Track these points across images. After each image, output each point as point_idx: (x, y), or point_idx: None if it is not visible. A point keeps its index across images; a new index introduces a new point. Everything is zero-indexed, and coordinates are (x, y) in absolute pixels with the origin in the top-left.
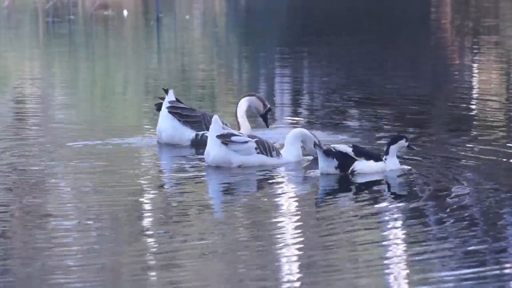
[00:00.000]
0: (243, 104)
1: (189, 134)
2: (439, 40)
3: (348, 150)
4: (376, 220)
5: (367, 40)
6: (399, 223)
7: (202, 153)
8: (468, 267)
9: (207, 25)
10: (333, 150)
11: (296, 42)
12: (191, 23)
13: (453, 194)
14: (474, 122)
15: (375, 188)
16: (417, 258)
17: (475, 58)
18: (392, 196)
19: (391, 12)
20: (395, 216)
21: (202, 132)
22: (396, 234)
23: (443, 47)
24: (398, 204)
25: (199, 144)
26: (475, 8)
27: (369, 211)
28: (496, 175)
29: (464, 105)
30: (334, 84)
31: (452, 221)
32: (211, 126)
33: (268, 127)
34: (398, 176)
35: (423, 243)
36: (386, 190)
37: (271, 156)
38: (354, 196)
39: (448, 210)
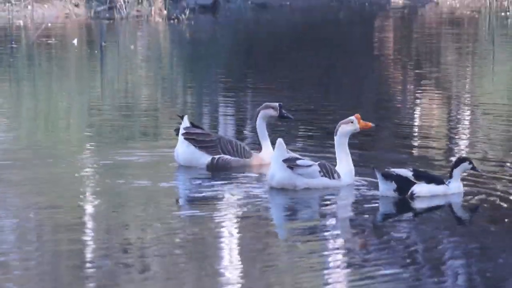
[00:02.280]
0: (261, 123)
1: (205, 158)
2: (381, 72)
3: (408, 173)
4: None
5: (308, 74)
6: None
7: (219, 176)
8: None
9: (150, 54)
10: (392, 173)
11: (238, 74)
12: (134, 52)
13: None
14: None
15: (433, 211)
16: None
17: (416, 87)
18: (449, 220)
19: (333, 42)
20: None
21: (218, 156)
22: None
23: (385, 77)
24: (453, 229)
25: (215, 168)
26: (418, 34)
27: (422, 235)
28: None
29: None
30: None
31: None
32: (275, 150)
33: (292, 118)
34: (460, 200)
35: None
36: (444, 214)
37: (333, 178)
38: (411, 220)
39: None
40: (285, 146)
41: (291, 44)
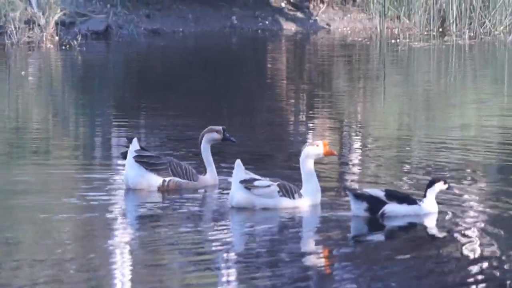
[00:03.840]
0: (205, 147)
1: (156, 180)
2: (274, 97)
3: (380, 194)
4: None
5: (201, 99)
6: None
7: (170, 198)
8: None
9: (42, 80)
10: (364, 193)
11: (131, 98)
12: (25, 78)
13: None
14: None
15: (401, 231)
16: None
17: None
18: (417, 240)
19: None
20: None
21: (169, 178)
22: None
23: (278, 102)
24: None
25: (165, 190)
26: (310, 60)
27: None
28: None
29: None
30: (165, 137)
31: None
32: (234, 171)
33: (235, 141)
34: (432, 220)
35: None
36: (413, 233)
37: (293, 198)
38: (380, 239)
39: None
40: (243, 167)
41: (184, 70)
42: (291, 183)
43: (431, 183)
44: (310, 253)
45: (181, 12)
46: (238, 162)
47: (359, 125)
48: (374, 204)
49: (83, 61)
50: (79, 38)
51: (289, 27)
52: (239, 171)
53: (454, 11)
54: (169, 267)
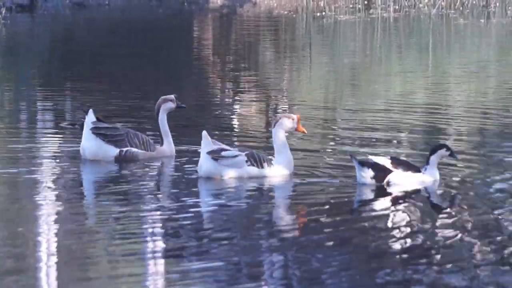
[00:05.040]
0: (162, 118)
1: (113, 151)
2: (200, 70)
3: (385, 161)
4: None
5: (127, 73)
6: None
7: (127, 168)
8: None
9: None
10: (369, 161)
11: (56, 72)
12: None
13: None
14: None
15: (406, 199)
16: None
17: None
18: (420, 207)
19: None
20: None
21: (126, 149)
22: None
23: (204, 76)
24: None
25: (122, 160)
26: (236, 33)
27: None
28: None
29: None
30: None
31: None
32: (202, 142)
33: (185, 107)
34: (435, 187)
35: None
36: (418, 201)
37: (262, 167)
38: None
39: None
40: (209, 138)
41: (110, 43)
42: (262, 153)
43: (434, 150)
44: (286, 223)
45: None
46: (204, 133)
47: (286, 94)
48: (380, 171)
49: (8, 34)
50: (3, 11)
51: (215, 0)
52: (207, 142)
53: None
54: (132, 236)
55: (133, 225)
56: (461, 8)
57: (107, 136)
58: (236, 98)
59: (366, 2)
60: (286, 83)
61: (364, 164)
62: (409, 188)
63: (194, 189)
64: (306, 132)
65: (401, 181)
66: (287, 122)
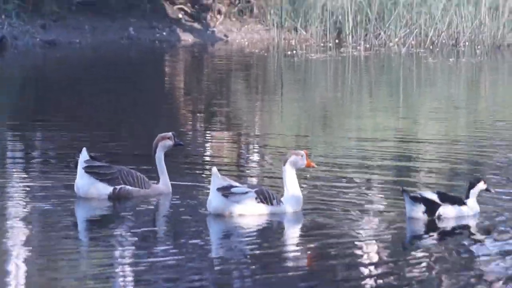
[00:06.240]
0: (160, 156)
1: (106, 189)
2: (173, 108)
3: (434, 196)
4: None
5: (100, 112)
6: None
7: (122, 206)
8: None
9: None
10: (420, 195)
11: (28, 113)
12: None
13: None
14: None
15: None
16: None
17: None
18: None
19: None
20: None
21: (119, 187)
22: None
23: (177, 113)
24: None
25: (116, 198)
26: (208, 72)
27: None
28: None
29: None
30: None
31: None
32: (211, 179)
33: (183, 144)
34: (480, 219)
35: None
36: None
37: (272, 204)
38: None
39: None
40: (219, 175)
41: (82, 82)
42: (271, 190)
43: (472, 184)
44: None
45: (77, 23)
46: (214, 169)
47: (257, 136)
48: (430, 206)
49: None
50: None
51: (187, 38)
52: (216, 178)
53: (350, 22)
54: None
55: (129, 269)
56: (431, 47)
57: (100, 174)
58: (207, 134)
59: (337, 41)
60: (258, 119)
61: (416, 199)
62: (458, 221)
63: (195, 228)
64: (315, 166)
65: (451, 214)
66: (296, 159)
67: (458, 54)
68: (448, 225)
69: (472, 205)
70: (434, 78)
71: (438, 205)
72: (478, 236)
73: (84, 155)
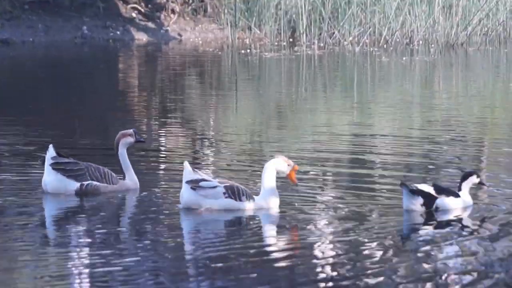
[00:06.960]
0: (122, 152)
1: (74, 185)
2: (127, 106)
3: (430, 189)
4: None
5: (53, 111)
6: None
7: (88, 201)
8: None
9: None
10: (417, 188)
11: None
12: None
13: None
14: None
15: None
16: None
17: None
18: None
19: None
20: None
21: (86, 182)
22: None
23: (131, 111)
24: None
25: (83, 194)
26: (162, 70)
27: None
28: None
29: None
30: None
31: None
32: (184, 171)
33: (145, 141)
34: (474, 211)
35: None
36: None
37: (240, 200)
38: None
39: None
40: (190, 168)
41: (37, 80)
42: (243, 185)
43: (465, 177)
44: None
45: (30, 22)
46: (185, 163)
47: (211, 134)
48: (428, 198)
49: None
50: None
51: (141, 37)
52: (187, 171)
53: (304, 21)
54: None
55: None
56: (385, 46)
57: (67, 171)
58: (161, 131)
59: (291, 40)
60: (212, 116)
61: (414, 192)
62: (454, 213)
63: (162, 224)
64: (296, 183)
65: (447, 206)
66: (282, 164)
67: (412, 53)
68: (444, 217)
69: (464, 198)
70: (388, 76)
71: (435, 198)
72: (470, 229)
73: (51, 152)
